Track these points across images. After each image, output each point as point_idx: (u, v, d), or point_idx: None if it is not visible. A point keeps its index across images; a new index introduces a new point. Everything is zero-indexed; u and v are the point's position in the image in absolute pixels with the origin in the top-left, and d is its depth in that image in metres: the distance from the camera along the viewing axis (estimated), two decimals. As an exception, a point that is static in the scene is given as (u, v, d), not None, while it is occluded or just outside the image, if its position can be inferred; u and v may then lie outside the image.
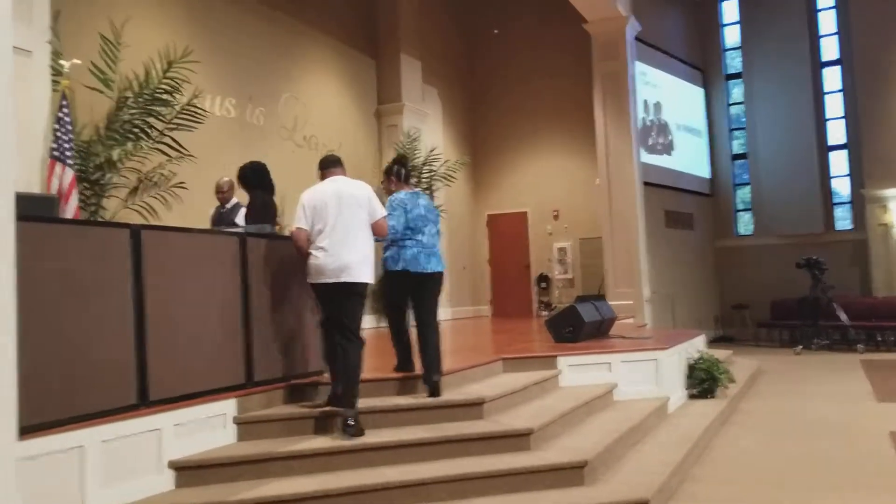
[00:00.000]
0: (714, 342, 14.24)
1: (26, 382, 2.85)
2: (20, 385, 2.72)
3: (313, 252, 4.68)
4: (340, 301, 4.67)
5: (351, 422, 4.39)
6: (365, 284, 4.73)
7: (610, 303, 9.38)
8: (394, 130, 12.52)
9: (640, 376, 6.61)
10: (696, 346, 8.04)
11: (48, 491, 3.26)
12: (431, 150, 12.07)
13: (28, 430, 3.11)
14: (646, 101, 14.29)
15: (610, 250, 12.14)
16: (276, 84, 10.43)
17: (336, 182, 4.88)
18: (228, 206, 6.71)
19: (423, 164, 11.93)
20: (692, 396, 7.36)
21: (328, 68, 11.61)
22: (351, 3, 12.29)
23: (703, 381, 7.37)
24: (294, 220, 4.80)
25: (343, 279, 4.62)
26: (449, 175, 12.31)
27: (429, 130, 13.39)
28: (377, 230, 4.85)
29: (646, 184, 13.04)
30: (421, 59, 13.33)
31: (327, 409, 4.62)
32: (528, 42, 15.00)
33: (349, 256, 4.65)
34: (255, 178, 5.74)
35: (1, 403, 2.64)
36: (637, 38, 13.02)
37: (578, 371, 6.40)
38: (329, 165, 5.03)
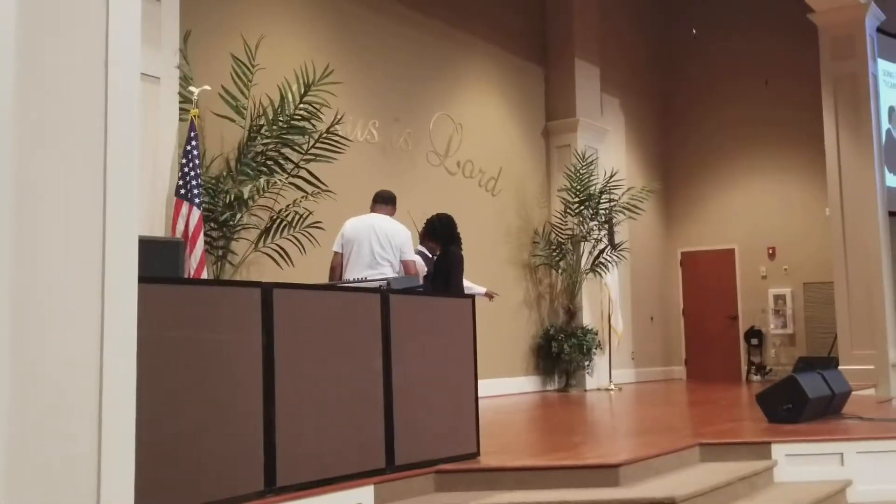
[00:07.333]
0: None
1: (145, 466, 3.02)
2: (138, 469, 2.87)
3: None
4: None
5: None
6: None
7: (844, 368, 8.93)
8: (565, 151, 12.47)
9: (885, 472, 6.17)
10: (964, 432, 7.41)
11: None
12: (611, 175, 11.99)
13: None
14: (892, 108, 13.48)
15: (844, 300, 11.69)
16: (426, 101, 10.65)
17: None
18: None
19: (601, 193, 11.87)
20: (958, 501, 6.77)
21: (488, 80, 11.78)
22: (516, 4, 12.46)
23: (973, 480, 6.76)
24: None
25: None
26: (634, 205, 12.18)
27: (608, 150, 13.28)
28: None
29: (892, 214, 12.33)
30: (599, 65, 13.27)
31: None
32: (735, 40, 14.55)
33: None
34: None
35: (117, 491, 2.83)
36: (879, 30, 12.42)
37: (800, 463, 6.05)
38: None
